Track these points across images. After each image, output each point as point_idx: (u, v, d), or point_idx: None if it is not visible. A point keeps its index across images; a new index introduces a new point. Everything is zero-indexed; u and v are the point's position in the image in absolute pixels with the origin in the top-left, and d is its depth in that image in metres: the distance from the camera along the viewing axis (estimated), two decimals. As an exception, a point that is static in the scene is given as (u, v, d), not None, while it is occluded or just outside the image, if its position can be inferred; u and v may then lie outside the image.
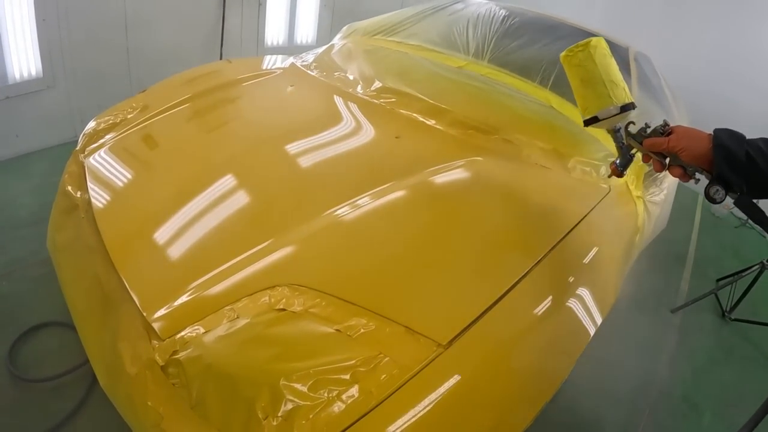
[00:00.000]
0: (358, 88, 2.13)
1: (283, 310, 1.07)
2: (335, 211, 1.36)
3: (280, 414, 0.89)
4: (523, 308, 1.19)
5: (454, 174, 1.59)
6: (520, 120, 1.93)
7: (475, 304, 1.12)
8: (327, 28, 5.17)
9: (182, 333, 1.07)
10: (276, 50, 4.84)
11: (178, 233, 1.38)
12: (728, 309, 2.86)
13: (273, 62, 2.51)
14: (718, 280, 3.08)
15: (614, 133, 1.25)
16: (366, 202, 1.39)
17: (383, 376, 0.95)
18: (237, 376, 0.97)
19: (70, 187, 1.70)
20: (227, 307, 1.10)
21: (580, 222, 1.49)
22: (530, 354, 1.17)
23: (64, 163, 3.05)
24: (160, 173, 1.67)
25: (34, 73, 3.19)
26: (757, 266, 2.76)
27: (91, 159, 1.76)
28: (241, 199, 1.51)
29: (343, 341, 1.01)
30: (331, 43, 2.68)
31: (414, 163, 1.59)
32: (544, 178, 1.73)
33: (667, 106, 2.48)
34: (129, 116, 1.97)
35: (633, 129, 1.22)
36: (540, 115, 1.96)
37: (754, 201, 1.04)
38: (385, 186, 1.45)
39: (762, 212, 1.06)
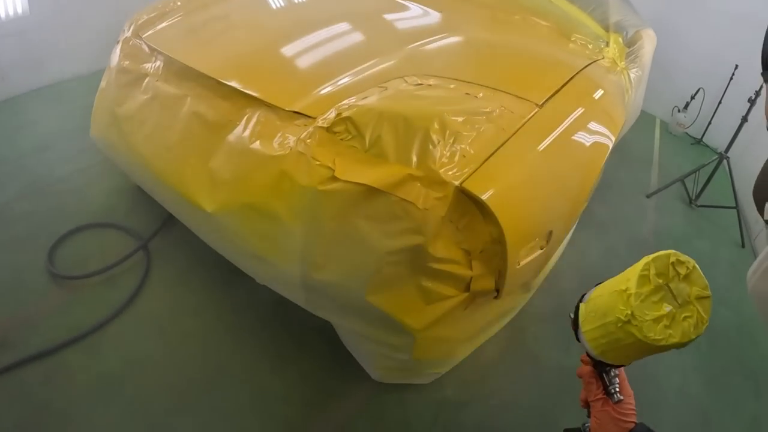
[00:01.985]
0: None
1: (421, 84, 1.38)
2: (439, 37, 1.79)
3: (448, 138, 1.19)
4: (569, 104, 1.58)
5: (509, 22, 2.17)
6: (530, 7, 2.39)
7: (546, 92, 1.53)
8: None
9: (334, 107, 1.31)
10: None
11: (292, 52, 1.65)
12: (694, 197, 3.25)
13: None
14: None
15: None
16: (458, 33, 1.88)
17: (508, 120, 1.30)
18: (410, 114, 1.22)
19: (128, 65, 1.83)
20: (373, 87, 1.36)
21: (588, 65, 1.83)
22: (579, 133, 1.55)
23: (56, 103, 3.13)
24: (246, 25, 1.88)
25: (20, 11, 3.02)
26: (716, 157, 3.16)
27: (153, 36, 1.86)
28: (347, 27, 1.87)
29: (472, 100, 1.34)
30: None
31: (473, 21, 2.08)
32: (560, 38, 2.19)
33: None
34: (178, 3, 2.06)
35: None
36: (544, 7, 2.41)
37: None
38: (468, 26, 1.93)
39: None
